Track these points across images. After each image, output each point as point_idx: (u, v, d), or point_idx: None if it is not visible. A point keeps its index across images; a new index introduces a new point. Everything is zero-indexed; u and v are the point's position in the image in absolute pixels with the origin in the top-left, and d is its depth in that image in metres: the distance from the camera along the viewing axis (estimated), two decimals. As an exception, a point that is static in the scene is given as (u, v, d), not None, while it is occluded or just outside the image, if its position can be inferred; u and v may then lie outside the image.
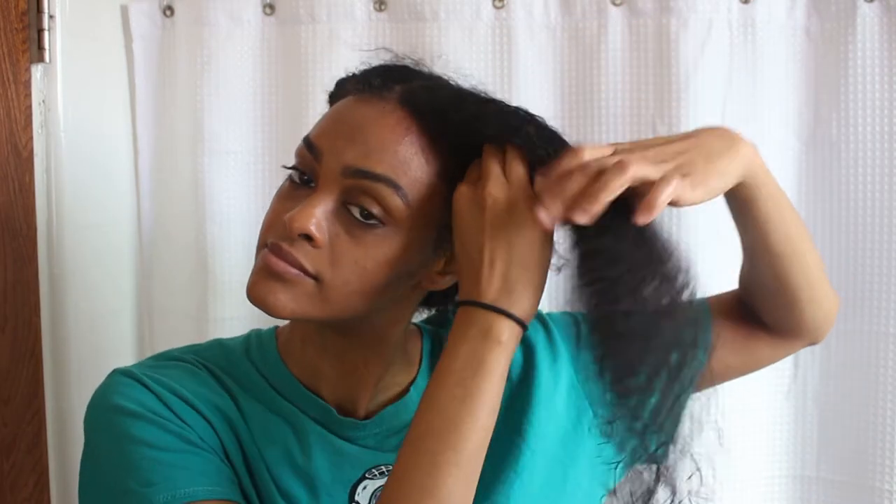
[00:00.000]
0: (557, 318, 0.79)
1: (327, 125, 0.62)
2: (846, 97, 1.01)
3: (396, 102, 0.60)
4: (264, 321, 1.01)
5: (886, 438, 1.01)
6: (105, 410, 0.62)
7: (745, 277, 0.75)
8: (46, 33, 0.97)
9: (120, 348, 1.14)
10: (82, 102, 1.03)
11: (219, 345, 0.72)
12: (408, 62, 0.67)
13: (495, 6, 1.04)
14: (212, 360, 0.69)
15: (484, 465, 0.60)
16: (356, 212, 0.58)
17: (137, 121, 1.12)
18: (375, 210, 0.58)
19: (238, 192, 1.09)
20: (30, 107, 0.96)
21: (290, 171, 0.63)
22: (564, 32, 1.05)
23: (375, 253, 0.59)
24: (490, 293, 0.56)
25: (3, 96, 0.92)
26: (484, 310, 0.56)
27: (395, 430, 0.68)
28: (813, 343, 0.77)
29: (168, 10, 1.09)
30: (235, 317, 1.09)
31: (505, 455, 0.69)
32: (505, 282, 0.56)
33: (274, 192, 1.08)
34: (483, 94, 0.62)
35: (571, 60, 1.05)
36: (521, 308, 0.57)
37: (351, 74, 0.67)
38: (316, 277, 0.58)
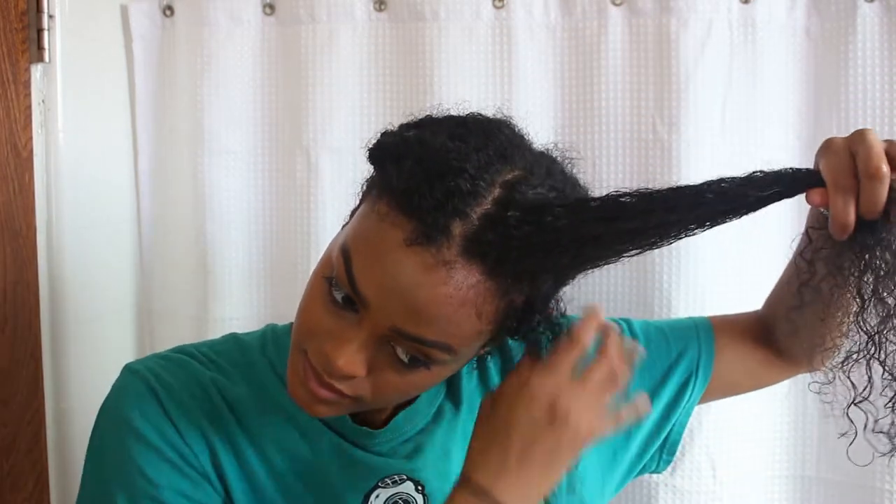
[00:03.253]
0: None
1: (375, 269, 0.53)
2: (846, 97, 1.01)
3: (456, 255, 0.52)
4: (265, 322, 1.00)
5: (886, 438, 1.01)
6: (119, 425, 0.63)
7: (783, 309, 0.74)
8: (46, 33, 0.97)
9: (120, 349, 1.14)
10: (82, 102, 1.03)
11: (234, 339, 0.71)
12: (466, 155, 0.53)
13: (495, 6, 1.04)
14: (227, 356, 0.69)
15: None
16: (402, 354, 0.56)
17: (137, 121, 1.12)
18: (421, 357, 0.56)
19: (238, 192, 1.09)
20: (29, 107, 0.96)
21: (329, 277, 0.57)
22: (564, 32, 1.05)
23: (417, 382, 0.58)
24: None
25: (2, 96, 0.92)
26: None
27: (408, 436, 0.68)
28: (814, 371, 0.78)
29: (168, 10, 1.09)
30: (235, 317, 1.09)
31: None
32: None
33: (273, 191, 1.09)
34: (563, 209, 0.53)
35: (571, 60, 1.05)
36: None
37: (399, 168, 0.54)
38: (355, 398, 0.58)
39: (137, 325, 1.16)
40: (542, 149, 0.60)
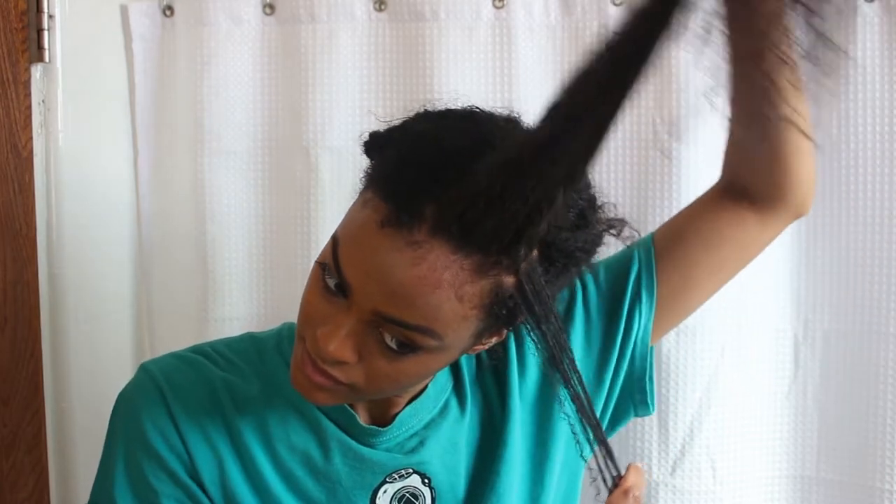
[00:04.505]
0: None
1: (355, 253, 0.55)
2: (846, 97, 1.01)
3: (426, 235, 0.52)
4: (265, 322, 1.01)
5: (886, 438, 1.01)
6: (128, 425, 0.66)
7: (737, 126, 0.67)
8: (46, 33, 0.97)
9: (119, 348, 1.14)
10: (82, 102, 1.03)
11: (251, 338, 0.73)
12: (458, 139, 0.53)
13: (495, 6, 1.04)
14: (243, 354, 0.70)
15: (474, 443, 0.69)
16: (389, 340, 0.56)
17: (137, 121, 1.12)
18: (407, 342, 0.56)
19: (238, 192, 1.09)
20: (29, 107, 0.96)
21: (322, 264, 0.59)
22: (564, 32, 1.05)
23: (409, 369, 0.58)
24: None
25: (2, 96, 0.92)
26: None
27: (414, 430, 0.69)
28: (799, 216, 0.73)
29: (168, 10, 1.09)
30: (235, 317, 1.09)
31: (490, 423, 0.71)
32: None
33: (273, 191, 1.09)
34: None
35: (571, 60, 1.05)
36: None
37: (383, 155, 0.57)
38: (350, 385, 0.59)
39: (137, 325, 1.16)
40: None
